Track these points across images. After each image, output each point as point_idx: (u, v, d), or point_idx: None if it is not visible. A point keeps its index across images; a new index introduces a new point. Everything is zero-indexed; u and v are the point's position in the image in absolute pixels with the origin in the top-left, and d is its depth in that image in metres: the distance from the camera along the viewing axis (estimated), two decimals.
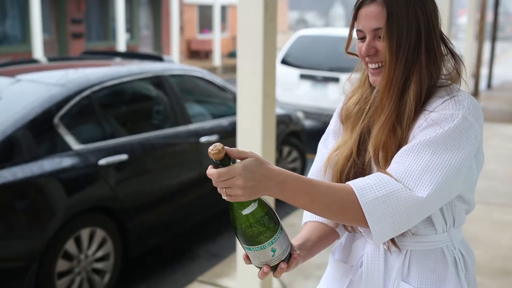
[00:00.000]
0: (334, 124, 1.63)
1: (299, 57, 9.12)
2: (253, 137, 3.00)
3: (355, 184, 1.27)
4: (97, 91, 4.03)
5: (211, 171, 1.17)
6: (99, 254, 3.79)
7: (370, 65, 1.43)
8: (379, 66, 1.41)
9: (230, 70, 19.17)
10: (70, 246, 3.60)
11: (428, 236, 1.43)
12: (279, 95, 8.83)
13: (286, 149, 6.07)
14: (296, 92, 8.90)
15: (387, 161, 1.37)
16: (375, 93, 1.46)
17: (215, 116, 5.09)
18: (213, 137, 4.74)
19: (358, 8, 1.41)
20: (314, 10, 53.30)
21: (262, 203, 1.23)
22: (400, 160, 1.31)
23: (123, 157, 3.93)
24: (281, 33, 25.26)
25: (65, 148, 3.66)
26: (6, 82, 4.16)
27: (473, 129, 1.33)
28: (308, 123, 8.85)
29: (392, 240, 1.43)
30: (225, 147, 1.15)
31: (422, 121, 1.36)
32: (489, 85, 16.27)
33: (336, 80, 8.50)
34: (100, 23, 18.48)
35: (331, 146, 1.59)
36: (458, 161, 1.30)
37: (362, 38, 1.42)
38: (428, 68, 1.38)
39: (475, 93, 13.80)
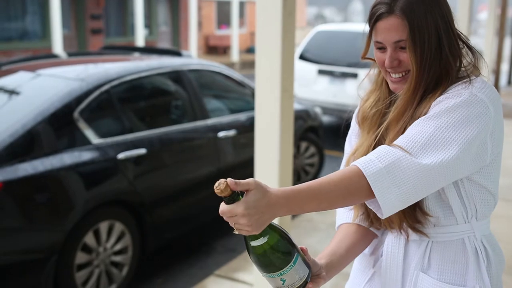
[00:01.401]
0: (353, 126, 1.65)
1: (317, 52, 9.09)
2: (271, 132, 3.01)
3: (359, 161, 1.28)
4: (116, 85, 4.06)
5: (221, 208, 1.17)
6: (118, 247, 3.83)
7: (393, 75, 1.45)
8: (403, 76, 1.44)
9: (248, 66, 19.16)
10: (89, 239, 3.64)
11: (449, 227, 1.43)
12: (297, 91, 8.81)
13: (303, 145, 6.06)
14: (314, 88, 8.88)
15: None
16: (397, 97, 1.47)
17: (233, 111, 5.10)
18: (231, 132, 4.75)
19: (375, 21, 1.41)
20: (332, 5, 53.02)
21: (273, 234, 1.23)
22: (406, 132, 1.34)
23: (142, 151, 3.96)
24: (299, 28, 25.19)
25: (85, 142, 3.69)
26: (27, 77, 4.21)
27: (483, 104, 1.33)
28: (326, 118, 8.83)
29: (413, 227, 1.44)
30: (229, 180, 1.13)
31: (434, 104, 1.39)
32: (509, 81, 16.09)
33: (354, 75, 8.46)
34: (119, 19, 18.58)
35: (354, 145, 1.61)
36: (466, 135, 1.30)
37: (380, 49, 1.44)
38: (450, 66, 1.41)
39: (496, 89, 13.64)
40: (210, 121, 4.69)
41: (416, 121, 1.35)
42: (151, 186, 4.06)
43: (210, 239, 4.84)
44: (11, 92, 4.02)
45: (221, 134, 4.68)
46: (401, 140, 1.31)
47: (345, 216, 1.58)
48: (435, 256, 1.45)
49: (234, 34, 20.49)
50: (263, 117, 3.04)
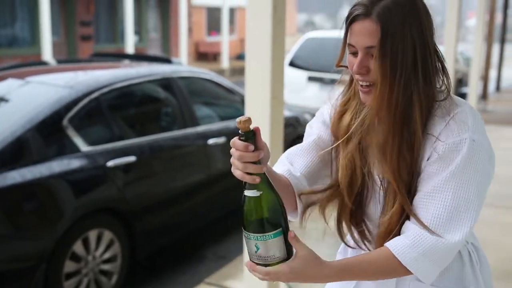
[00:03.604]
0: (321, 123, 1.57)
1: (307, 59, 9.11)
2: None
3: (394, 247, 1.31)
4: (105, 93, 4.04)
5: (236, 143, 1.26)
6: (107, 255, 3.80)
7: (360, 83, 1.37)
8: (369, 85, 1.35)
9: (238, 72, 19.18)
10: (78, 247, 3.61)
11: None
12: (287, 98, 8.81)
13: None
14: (304, 94, 8.89)
15: (399, 187, 1.35)
16: (367, 111, 1.41)
17: (223, 118, 5.10)
18: (221, 139, 4.75)
19: (351, 22, 1.34)
20: (322, 12, 53.25)
21: (270, 194, 1.25)
22: (425, 205, 1.33)
23: (131, 159, 3.94)
24: (289, 35, 25.25)
25: (74, 150, 3.67)
26: (15, 84, 4.19)
27: (483, 146, 1.32)
28: None
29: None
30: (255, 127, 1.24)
31: (429, 148, 1.34)
32: (498, 88, 16.19)
33: (340, 83, 8.47)
34: (109, 25, 18.55)
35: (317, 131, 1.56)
36: (479, 186, 1.31)
37: (354, 53, 1.36)
38: (426, 86, 1.33)
39: (484, 95, 13.74)
40: (200, 128, 4.68)
41: (432, 186, 1.32)
42: (141, 193, 4.04)
43: (201, 246, 4.82)
44: (0, 100, 4.00)
45: (211, 141, 4.67)
46: (425, 217, 1.32)
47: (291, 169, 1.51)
48: None
49: (224, 41, 20.52)
50: (253, 124, 3.03)
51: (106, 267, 3.81)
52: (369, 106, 1.38)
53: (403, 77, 1.30)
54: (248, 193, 1.24)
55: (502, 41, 16.29)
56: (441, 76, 1.38)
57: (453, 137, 1.31)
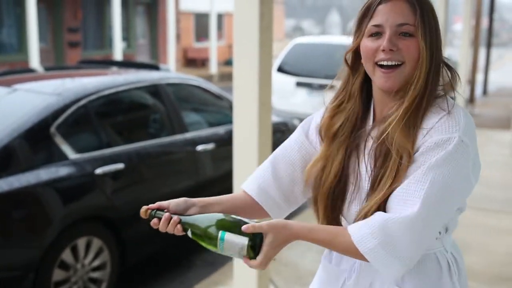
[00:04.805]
0: (309, 130, 1.59)
1: (295, 65, 9.13)
2: (249, 145, 3.01)
3: (353, 234, 1.32)
4: (93, 100, 4.03)
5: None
6: (96, 263, 3.78)
7: (385, 62, 1.35)
8: (395, 65, 1.35)
9: (226, 78, 19.18)
10: (67, 255, 3.59)
11: None
12: (275, 103, 8.83)
13: None
14: (293, 100, 8.91)
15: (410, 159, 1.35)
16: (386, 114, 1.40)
17: (212, 125, 5.10)
18: (210, 146, 4.74)
19: (378, 3, 1.36)
20: (310, 18, 53.45)
21: (190, 226, 1.41)
22: (400, 197, 1.32)
23: (120, 166, 3.93)
24: (277, 41, 25.30)
25: (62, 158, 3.66)
26: (2, 91, 4.16)
27: (468, 150, 1.32)
28: None
29: None
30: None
31: (420, 139, 1.34)
32: (484, 91, 16.32)
33: (332, 87, 8.50)
34: (97, 31, 18.50)
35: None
36: (454, 186, 1.31)
37: (375, 35, 1.36)
38: (439, 76, 1.40)
39: (471, 99, 13.84)
40: (188, 135, 4.68)
41: (413, 177, 1.31)
42: (130, 201, 4.03)
43: (190, 253, 4.81)
44: None
45: (200, 147, 4.67)
46: (395, 203, 1.32)
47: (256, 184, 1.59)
48: (410, 271, 1.46)
49: (213, 47, 20.52)
50: (241, 130, 3.04)
51: (95, 275, 3.79)
52: (391, 86, 1.37)
53: (438, 56, 1.37)
54: (189, 233, 1.42)
55: (488, 45, 16.44)
56: (447, 72, 1.42)
57: (443, 133, 1.31)
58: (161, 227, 1.40)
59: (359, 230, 1.31)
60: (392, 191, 1.34)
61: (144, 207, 1.41)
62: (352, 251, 1.32)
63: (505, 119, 11.14)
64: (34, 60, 13.81)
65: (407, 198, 1.29)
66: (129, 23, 19.38)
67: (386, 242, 1.27)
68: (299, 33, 42.44)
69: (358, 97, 1.47)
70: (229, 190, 3.47)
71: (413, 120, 1.34)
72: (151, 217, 1.42)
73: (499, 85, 18.33)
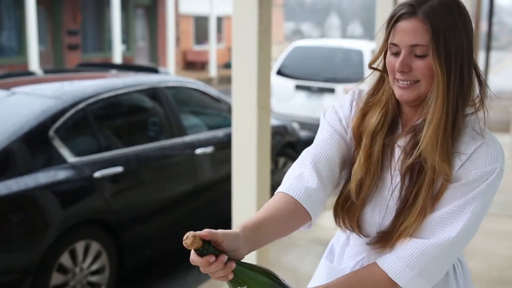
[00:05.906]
0: (343, 117, 1.54)
1: (294, 68, 9.15)
2: (248, 148, 3.01)
3: (389, 270, 1.35)
4: (92, 103, 4.02)
5: (196, 261, 1.20)
6: (94, 267, 3.77)
7: (401, 82, 1.36)
8: (410, 83, 1.36)
9: (226, 81, 19.19)
10: (65, 259, 3.58)
11: None
12: (274, 106, 8.84)
13: (281, 160, 6.07)
14: (292, 103, 8.91)
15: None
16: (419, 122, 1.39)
17: (211, 128, 5.09)
18: (209, 149, 4.74)
19: (396, 21, 1.34)
20: (309, 21, 53.55)
21: (255, 281, 1.19)
22: (443, 224, 1.35)
23: (118, 169, 3.92)
24: (276, 44, 25.34)
25: (60, 161, 3.65)
26: (1, 94, 4.16)
27: (502, 177, 1.37)
28: (303, 134, 8.84)
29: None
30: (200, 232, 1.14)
31: (458, 164, 1.34)
32: None
33: (331, 90, 8.51)
34: (96, 34, 18.51)
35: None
36: (487, 209, 1.36)
37: (396, 53, 1.36)
38: (468, 92, 1.35)
39: None
40: (187, 138, 4.67)
41: (451, 207, 1.34)
42: (128, 204, 4.02)
43: (189, 256, 4.79)
44: None
45: (199, 151, 4.66)
46: (437, 236, 1.35)
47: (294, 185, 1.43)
48: None
49: (212, 50, 20.53)
50: (240, 133, 3.04)
51: (93, 278, 3.78)
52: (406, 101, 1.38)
53: (457, 74, 1.31)
54: None
55: (488, 49, 16.46)
56: (478, 89, 1.38)
57: (487, 165, 1.34)
58: (212, 269, 1.19)
59: (394, 265, 1.35)
60: (431, 211, 1.36)
61: (194, 235, 1.13)
62: (388, 285, 1.36)
63: (504, 122, 11.13)
64: (34, 63, 13.82)
65: (447, 224, 1.34)
66: (128, 26, 19.39)
67: (423, 270, 1.33)
68: (299, 36, 42.51)
69: (395, 101, 1.44)
70: (228, 193, 3.47)
71: (446, 142, 1.33)
72: (205, 251, 1.15)
73: (499, 89, 18.33)
